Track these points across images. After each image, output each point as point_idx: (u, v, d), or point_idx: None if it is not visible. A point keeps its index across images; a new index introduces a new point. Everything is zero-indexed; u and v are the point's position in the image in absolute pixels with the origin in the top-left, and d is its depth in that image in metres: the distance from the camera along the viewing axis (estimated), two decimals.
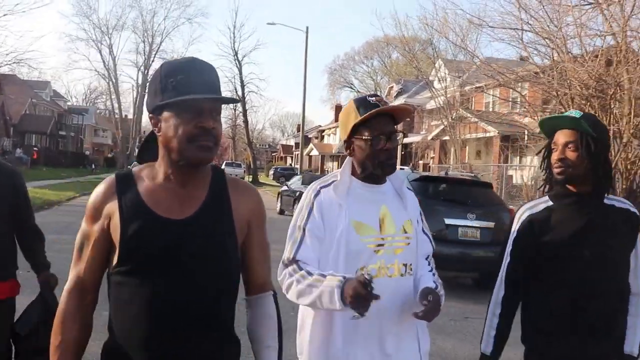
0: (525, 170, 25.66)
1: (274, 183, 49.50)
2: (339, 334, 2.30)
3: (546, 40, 16.52)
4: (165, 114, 1.82)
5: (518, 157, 26.93)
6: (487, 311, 2.59)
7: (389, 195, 2.46)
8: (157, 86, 1.83)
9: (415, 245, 2.44)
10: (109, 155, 77.20)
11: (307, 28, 36.94)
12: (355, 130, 2.38)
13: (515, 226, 2.55)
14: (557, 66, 15.60)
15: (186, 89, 1.77)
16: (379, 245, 2.34)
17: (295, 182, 22.05)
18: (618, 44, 15.98)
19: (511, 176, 26.94)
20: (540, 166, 2.59)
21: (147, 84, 1.91)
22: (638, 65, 15.14)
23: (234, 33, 59.75)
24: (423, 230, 2.54)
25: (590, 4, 16.10)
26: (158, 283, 1.78)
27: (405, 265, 2.38)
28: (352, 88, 77.39)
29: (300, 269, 2.28)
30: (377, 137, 2.34)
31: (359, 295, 1.98)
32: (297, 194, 19.08)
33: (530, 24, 16.80)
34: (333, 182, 2.43)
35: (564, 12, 16.08)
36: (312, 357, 2.37)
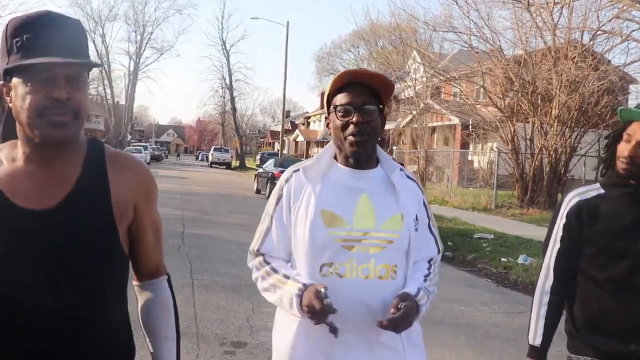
0: (484, 156, 28.08)
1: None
2: (318, 343, 2.03)
3: (485, 42, 19.03)
4: (15, 80, 1.52)
5: (480, 145, 29.18)
6: (532, 301, 2.43)
7: (376, 183, 2.12)
8: (3, 47, 1.54)
9: (406, 244, 2.08)
10: (102, 141, 78.53)
11: (288, 23, 39.23)
12: (330, 102, 2.13)
13: (564, 210, 2.37)
14: (482, 67, 18.11)
15: (34, 51, 1.47)
16: (351, 240, 2.02)
17: (269, 165, 24.56)
18: (547, 46, 18.48)
19: (472, 161, 29.33)
20: (605, 149, 2.42)
21: None
22: (565, 64, 17.58)
23: (222, 23, 62.66)
24: (430, 228, 2.23)
25: (520, 3, 18.51)
26: (18, 287, 1.50)
27: (386, 267, 2.03)
28: None
29: (267, 263, 2.12)
30: (343, 106, 2.05)
31: (313, 309, 1.85)
32: (270, 174, 21.64)
33: (472, 29, 19.29)
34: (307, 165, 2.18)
35: (498, 21, 18.61)
36: None
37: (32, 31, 1.49)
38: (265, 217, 2.20)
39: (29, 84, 1.50)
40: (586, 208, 2.32)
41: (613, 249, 2.26)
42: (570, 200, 2.38)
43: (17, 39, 1.49)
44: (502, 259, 10.23)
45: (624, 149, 2.26)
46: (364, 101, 2.05)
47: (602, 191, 2.36)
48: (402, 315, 1.91)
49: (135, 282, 1.86)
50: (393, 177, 2.14)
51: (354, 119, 2.03)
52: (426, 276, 2.14)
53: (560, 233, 2.38)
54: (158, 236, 1.83)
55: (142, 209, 1.72)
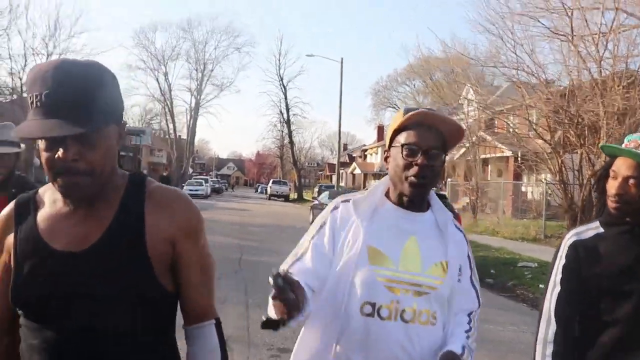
0: (537, 187, 28.22)
1: None
2: None
3: (530, 76, 19.53)
4: None
5: (534, 176, 29.31)
6: (533, 355, 2.22)
7: (427, 228, 2.08)
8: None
9: (447, 292, 2.03)
10: (164, 174, 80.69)
11: (342, 59, 40.77)
12: (394, 138, 2.07)
13: (562, 252, 2.24)
14: (526, 100, 18.58)
15: (41, 111, 1.44)
16: (395, 282, 1.96)
17: (323, 197, 25.42)
18: (593, 78, 18.79)
19: (525, 192, 29.45)
20: (594, 187, 2.35)
21: None
22: (612, 95, 17.89)
23: (279, 60, 64.03)
24: (471, 281, 2.16)
25: (564, 36, 18.93)
26: (57, 329, 1.51)
27: (428, 312, 1.98)
28: (395, 108, 79.94)
29: None
30: (410, 145, 1.99)
31: (274, 299, 1.58)
32: (324, 206, 22.48)
33: (518, 63, 19.83)
34: (359, 197, 2.13)
35: (545, 54, 19.12)
36: None
37: (41, 88, 1.44)
38: (303, 242, 2.12)
39: (43, 141, 1.49)
40: (583, 248, 2.21)
41: (616, 290, 2.15)
42: (567, 240, 2.27)
43: (30, 95, 1.47)
44: (541, 286, 10.57)
45: (611, 186, 2.19)
46: (431, 145, 1.99)
47: (602, 230, 2.25)
48: None
49: (183, 326, 1.75)
50: (446, 225, 2.10)
51: (419, 160, 1.97)
52: (467, 331, 2.07)
53: (559, 275, 2.23)
54: (206, 276, 1.72)
55: (183, 247, 1.64)
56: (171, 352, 1.72)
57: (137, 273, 1.55)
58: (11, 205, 1.68)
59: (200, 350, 1.72)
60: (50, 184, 1.61)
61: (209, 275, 1.74)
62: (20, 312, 1.58)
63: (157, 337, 1.65)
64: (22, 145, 3.57)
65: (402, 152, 2.00)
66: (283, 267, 1.97)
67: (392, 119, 2.11)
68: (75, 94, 1.44)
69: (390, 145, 2.09)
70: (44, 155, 1.49)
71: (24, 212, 1.63)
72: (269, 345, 6.20)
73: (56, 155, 1.46)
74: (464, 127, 29.18)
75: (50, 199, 1.63)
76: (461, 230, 2.19)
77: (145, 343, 1.60)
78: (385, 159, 2.12)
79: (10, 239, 1.62)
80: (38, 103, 1.44)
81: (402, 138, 2.03)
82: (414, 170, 1.97)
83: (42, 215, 1.61)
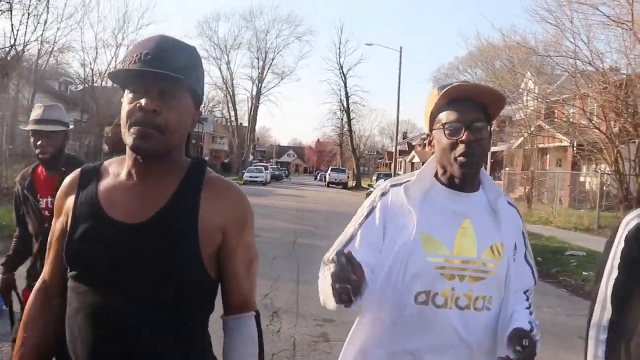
0: (594, 177, 27.92)
1: None
2: None
3: (586, 65, 19.49)
4: (125, 92, 1.62)
5: (594, 166, 28.97)
6: (586, 339, 2.02)
7: (480, 208, 1.99)
8: (124, 62, 1.63)
9: (504, 275, 1.95)
10: (225, 161, 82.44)
11: (401, 48, 41.06)
12: (434, 120, 1.98)
13: (622, 234, 2.02)
14: (580, 92, 18.58)
15: (141, 64, 1.56)
16: (450, 268, 1.88)
17: (379, 184, 25.94)
18: None
19: (584, 182, 29.16)
20: None
21: None
22: None
23: (339, 49, 64.53)
24: (526, 259, 2.09)
25: (624, 24, 18.81)
26: (102, 294, 1.57)
27: (484, 298, 1.91)
28: None
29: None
30: (451, 123, 1.89)
31: (335, 278, 1.56)
32: None
33: (575, 52, 19.80)
34: (407, 181, 2.02)
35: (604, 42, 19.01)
36: None
37: (142, 49, 1.58)
38: (349, 228, 2.04)
39: (129, 94, 1.59)
40: None
41: None
42: (628, 222, 2.04)
43: (135, 53, 1.58)
44: (584, 273, 10.92)
45: None
46: (473, 118, 1.90)
47: None
48: (529, 354, 1.80)
49: (222, 316, 1.78)
50: (497, 202, 2.02)
51: (464, 137, 1.89)
52: (527, 308, 2.03)
53: (617, 260, 2.03)
54: (249, 269, 1.75)
55: (232, 237, 1.69)
56: (203, 339, 1.75)
57: (186, 254, 1.59)
58: (77, 171, 1.77)
59: (239, 341, 1.74)
60: (115, 158, 1.78)
61: (253, 268, 1.77)
62: (70, 273, 1.65)
63: (194, 321, 1.68)
64: (71, 126, 3.67)
65: (444, 132, 1.92)
66: (328, 255, 1.94)
67: (427, 101, 2.03)
68: (170, 57, 1.58)
69: (431, 129, 2.02)
70: (126, 108, 1.58)
71: (88, 180, 1.71)
72: (315, 316, 6.89)
73: (138, 104, 1.55)
74: (522, 116, 29.28)
75: (114, 171, 1.71)
76: (514, 206, 2.10)
77: (183, 324, 1.63)
78: (429, 142, 2.05)
79: (70, 201, 1.70)
80: (136, 59, 1.57)
81: (442, 117, 1.95)
82: (461, 149, 1.90)
83: (103, 184, 1.69)
